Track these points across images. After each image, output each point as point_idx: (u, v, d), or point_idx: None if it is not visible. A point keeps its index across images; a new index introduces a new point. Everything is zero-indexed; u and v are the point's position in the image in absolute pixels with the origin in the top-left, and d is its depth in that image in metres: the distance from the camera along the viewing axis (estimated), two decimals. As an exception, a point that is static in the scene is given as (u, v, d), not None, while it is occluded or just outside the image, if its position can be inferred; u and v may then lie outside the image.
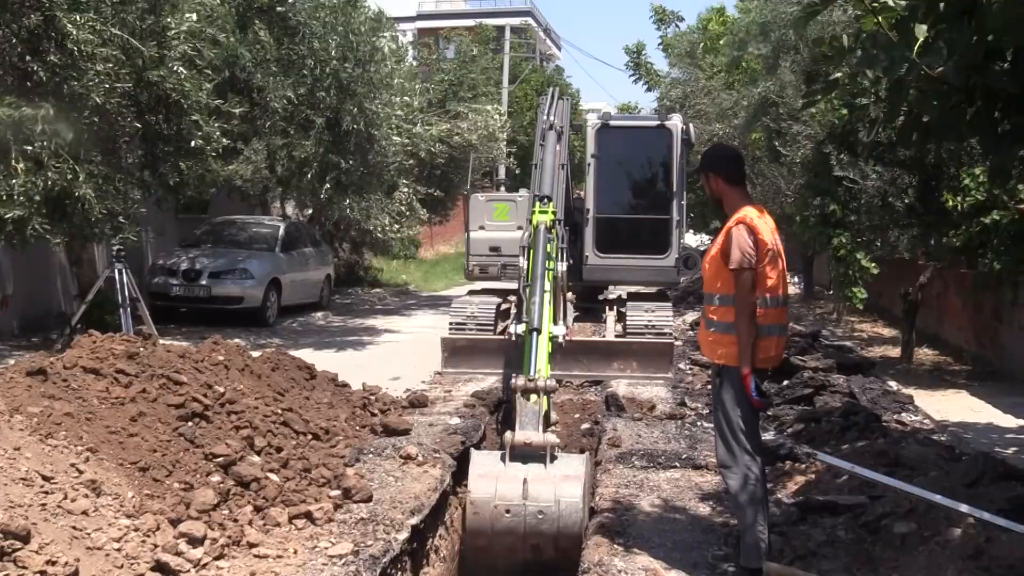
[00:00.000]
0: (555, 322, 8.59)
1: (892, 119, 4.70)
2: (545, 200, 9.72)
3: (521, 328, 8.10)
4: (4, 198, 9.29)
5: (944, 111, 4.31)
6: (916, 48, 3.85)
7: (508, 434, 6.69)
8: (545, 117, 12.10)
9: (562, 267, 9.41)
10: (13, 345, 13.17)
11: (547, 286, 8.44)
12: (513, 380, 7.06)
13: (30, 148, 9.49)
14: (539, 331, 7.72)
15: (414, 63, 21.88)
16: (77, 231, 11.09)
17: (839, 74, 4.69)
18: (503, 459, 6.60)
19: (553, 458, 6.58)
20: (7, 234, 9.70)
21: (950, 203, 11.13)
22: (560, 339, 8.45)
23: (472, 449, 7.52)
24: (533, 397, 6.90)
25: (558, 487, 6.42)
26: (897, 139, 5.41)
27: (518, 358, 8.06)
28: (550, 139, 11.38)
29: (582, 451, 8.49)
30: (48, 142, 9.63)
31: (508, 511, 6.38)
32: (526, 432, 6.65)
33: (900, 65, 3.89)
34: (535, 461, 6.54)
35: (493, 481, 6.46)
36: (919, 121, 4.63)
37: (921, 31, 3.87)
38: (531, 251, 9.02)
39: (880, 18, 4.03)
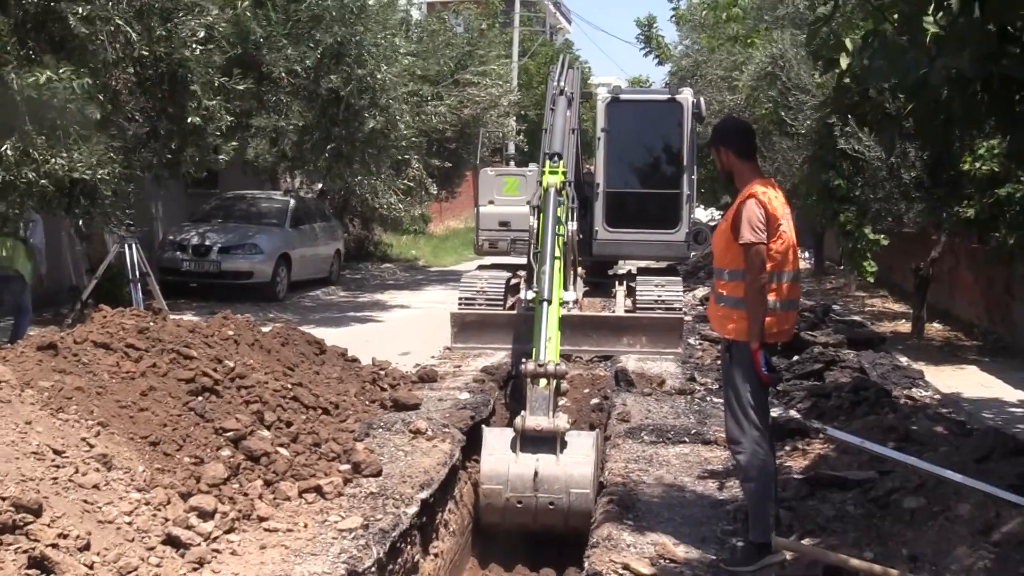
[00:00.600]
0: (565, 287, 8.59)
1: (913, 115, 4.67)
2: (555, 158, 9.58)
3: (531, 295, 8.11)
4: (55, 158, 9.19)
5: (963, 101, 4.28)
6: (928, 43, 3.82)
7: (519, 420, 6.82)
8: (556, 83, 12.05)
9: (572, 226, 9.39)
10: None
11: (557, 252, 8.41)
12: (523, 365, 7.08)
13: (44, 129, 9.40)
14: (549, 302, 7.71)
15: (424, 36, 21.72)
16: (95, 214, 10.99)
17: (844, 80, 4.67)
18: (513, 446, 6.76)
19: (563, 445, 6.74)
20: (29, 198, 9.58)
21: (967, 166, 10.95)
22: (571, 305, 8.46)
23: (484, 426, 7.64)
24: (543, 381, 6.93)
25: (569, 476, 6.64)
26: (917, 132, 5.38)
27: (527, 332, 8.08)
28: (560, 104, 11.31)
29: (592, 427, 8.53)
30: (60, 119, 9.54)
31: (520, 503, 6.69)
32: (536, 418, 6.77)
33: (916, 68, 3.85)
34: (546, 447, 6.74)
35: (504, 470, 6.71)
36: (937, 112, 4.60)
37: (929, 23, 3.84)
38: (540, 213, 8.93)
39: (885, 14, 4.00)
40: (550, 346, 7.35)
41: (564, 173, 9.46)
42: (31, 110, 9.13)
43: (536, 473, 6.65)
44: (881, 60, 3.94)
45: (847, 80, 4.71)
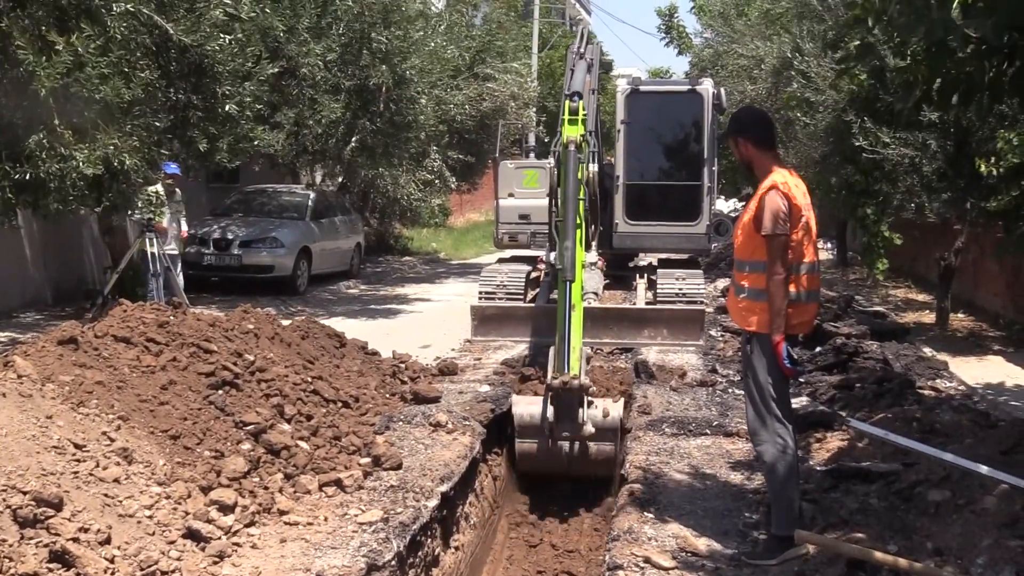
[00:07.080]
0: (587, 247, 9.05)
1: (932, 81, 4.61)
2: (575, 98, 9.30)
3: (554, 256, 8.39)
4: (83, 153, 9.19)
5: (981, 70, 4.23)
6: (955, 9, 3.77)
7: (546, 424, 7.44)
8: (576, 49, 12.00)
9: (593, 168, 9.73)
10: (46, 314, 13.31)
11: (578, 220, 8.35)
12: (549, 378, 7.26)
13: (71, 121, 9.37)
14: (572, 280, 7.72)
15: (446, 27, 21.76)
16: (118, 202, 10.98)
17: (870, 38, 4.62)
18: (544, 434, 7.57)
19: (590, 437, 7.48)
20: (50, 196, 9.55)
21: (983, 169, 10.85)
22: (593, 267, 8.63)
23: (513, 395, 8.38)
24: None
25: (596, 462, 7.69)
26: (935, 100, 5.32)
27: (547, 325, 8.19)
28: (580, 66, 11.21)
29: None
30: (88, 111, 9.51)
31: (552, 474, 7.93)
32: (563, 423, 7.30)
33: (942, 29, 3.81)
34: (575, 441, 7.56)
35: (538, 455, 7.79)
36: (957, 82, 4.54)
37: None
38: (560, 169, 8.71)
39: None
40: (574, 354, 7.36)
41: (583, 121, 9.14)
42: (57, 102, 9.11)
43: (567, 460, 7.68)
44: (907, 16, 3.91)
45: (870, 39, 4.65)
